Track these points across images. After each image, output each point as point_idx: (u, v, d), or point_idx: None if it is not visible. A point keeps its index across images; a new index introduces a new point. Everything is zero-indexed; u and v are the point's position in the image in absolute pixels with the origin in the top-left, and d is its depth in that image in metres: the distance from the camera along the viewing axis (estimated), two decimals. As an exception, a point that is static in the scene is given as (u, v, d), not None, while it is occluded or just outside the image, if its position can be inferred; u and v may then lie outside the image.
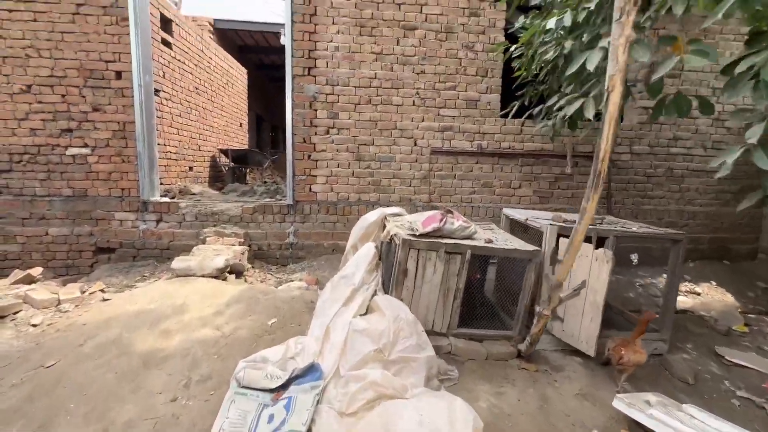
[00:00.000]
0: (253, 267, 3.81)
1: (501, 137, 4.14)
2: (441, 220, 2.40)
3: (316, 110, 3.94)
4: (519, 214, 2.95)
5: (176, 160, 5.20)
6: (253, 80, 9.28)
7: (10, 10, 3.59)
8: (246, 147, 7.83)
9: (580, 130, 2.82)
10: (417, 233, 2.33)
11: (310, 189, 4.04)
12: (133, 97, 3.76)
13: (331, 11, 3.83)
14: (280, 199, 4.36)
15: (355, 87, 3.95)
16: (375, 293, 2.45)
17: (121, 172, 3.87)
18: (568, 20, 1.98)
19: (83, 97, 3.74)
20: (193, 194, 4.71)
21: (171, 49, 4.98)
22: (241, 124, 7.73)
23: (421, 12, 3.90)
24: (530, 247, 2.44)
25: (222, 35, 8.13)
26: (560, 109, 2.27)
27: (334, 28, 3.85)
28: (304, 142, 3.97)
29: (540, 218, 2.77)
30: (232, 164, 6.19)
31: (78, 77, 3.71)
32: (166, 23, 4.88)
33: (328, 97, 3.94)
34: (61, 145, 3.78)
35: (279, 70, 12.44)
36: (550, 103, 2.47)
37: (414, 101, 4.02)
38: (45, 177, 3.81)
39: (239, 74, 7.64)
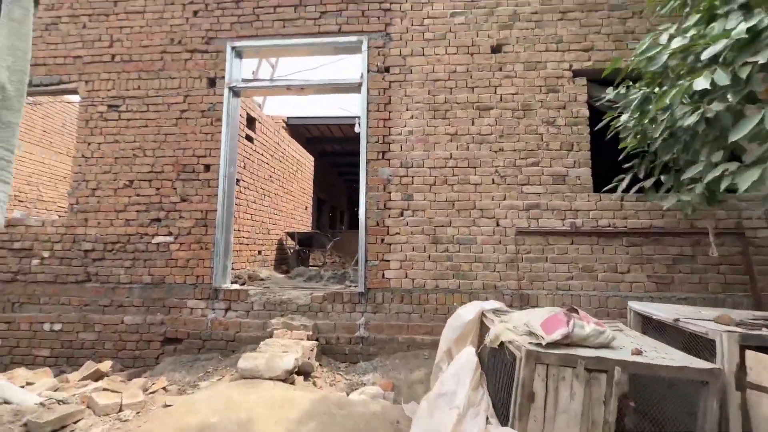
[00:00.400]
0: (320, 365, 3.38)
1: (597, 214, 3.63)
2: (568, 323, 1.88)
3: (390, 192, 3.81)
4: (659, 311, 2.31)
5: (248, 244, 5.28)
6: (316, 166, 9.93)
7: (129, 119, 4.12)
8: (311, 230, 7.99)
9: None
10: (544, 342, 1.81)
11: (383, 275, 3.71)
12: (217, 187, 3.94)
13: (405, 99, 3.91)
14: (350, 285, 4.07)
15: (429, 168, 3.82)
16: (487, 421, 1.87)
17: (198, 259, 3.89)
18: (723, 79, 1.63)
19: (174, 189, 3.99)
20: (262, 280, 4.61)
21: (252, 143, 5.42)
22: (306, 207, 8.02)
23: (495, 93, 3.85)
24: (704, 365, 1.77)
25: (293, 129, 9.01)
26: (714, 180, 1.81)
27: (408, 114, 3.89)
28: (377, 225, 3.78)
29: (694, 319, 2.11)
30: (297, 247, 6.21)
31: (172, 171, 4.01)
32: (250, 121, 5.39)
33: (402, 179, 3.82)
34: (149, 234, 3.95)
35: (340, 156, 13.47)
36: (690, 174, 2.02)
37: (493, 179, 3.75)
38: (130, 264, 3.93)
39: (307, 162, 8.16)
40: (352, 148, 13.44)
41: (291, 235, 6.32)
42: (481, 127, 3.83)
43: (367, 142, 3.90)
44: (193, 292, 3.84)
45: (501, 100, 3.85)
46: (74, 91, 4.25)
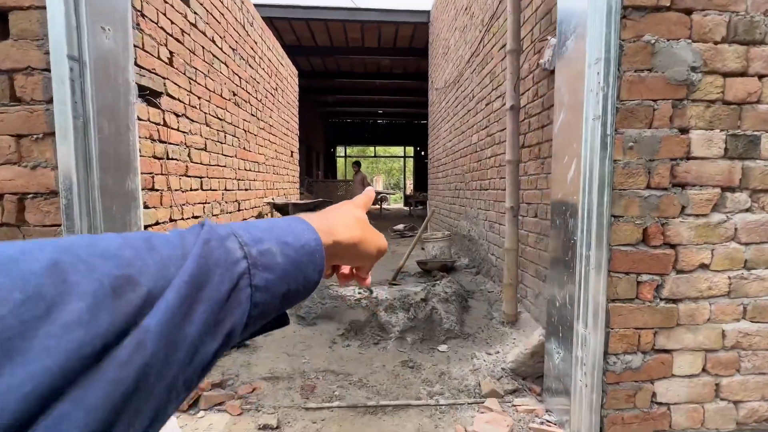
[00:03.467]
0: None
1: None
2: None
3: (687, 130, 1.13)
4: None
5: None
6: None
7: None
8: (318, 198, 5.14)
9: None
10: None
11: (654, 398, 1.18)
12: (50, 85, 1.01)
13: None
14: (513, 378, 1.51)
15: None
16: None
17: None
18: None
19: None
20: (246, 345, 1.89)
21: (188, 6, 2.28)
22: (292, 152, 5.00)
23: None
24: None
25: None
26: None
27: None
28: (644, 242, 1.14)
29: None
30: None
31: None
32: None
33: (733, 85, 1.13)
34: None
35: (317, 79, 9.74)
36: None
37: None
38: None
39: (290, 76, 4.96)
40: (338, 65, 9.69)
41: (281, 208, 3.47)
42: None
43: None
44: None
45: None
46: None
